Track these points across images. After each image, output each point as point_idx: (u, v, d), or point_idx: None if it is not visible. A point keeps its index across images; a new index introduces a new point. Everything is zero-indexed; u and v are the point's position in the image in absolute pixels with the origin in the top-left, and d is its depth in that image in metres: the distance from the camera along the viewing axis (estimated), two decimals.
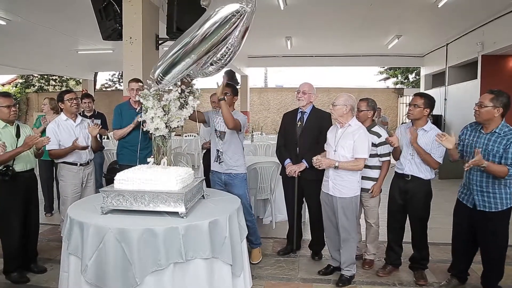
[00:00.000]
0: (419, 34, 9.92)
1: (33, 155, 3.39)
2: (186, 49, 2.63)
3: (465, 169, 2.85)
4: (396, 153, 3.37)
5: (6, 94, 3.35)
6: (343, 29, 9.28)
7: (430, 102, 3.23)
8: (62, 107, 3.73)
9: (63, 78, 20.32)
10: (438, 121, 10.57)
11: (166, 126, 2.93)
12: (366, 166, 3.39)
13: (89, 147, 3.80)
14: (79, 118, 3.80)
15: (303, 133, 3.69)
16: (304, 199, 3.91)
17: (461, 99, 9.60)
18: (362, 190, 3.44)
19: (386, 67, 19.74)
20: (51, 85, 20.66)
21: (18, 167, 3.22)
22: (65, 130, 3.64)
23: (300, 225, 4.04)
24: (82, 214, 2.41)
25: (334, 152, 3.21)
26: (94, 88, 16.89)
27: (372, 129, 3.48)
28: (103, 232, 2.17)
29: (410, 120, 3.37)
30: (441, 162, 3.18)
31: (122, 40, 4.83)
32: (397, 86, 18.45)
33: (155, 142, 2.98)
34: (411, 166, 3.24)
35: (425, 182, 3.23)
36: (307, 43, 10.86)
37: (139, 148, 3.81)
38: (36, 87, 19.92)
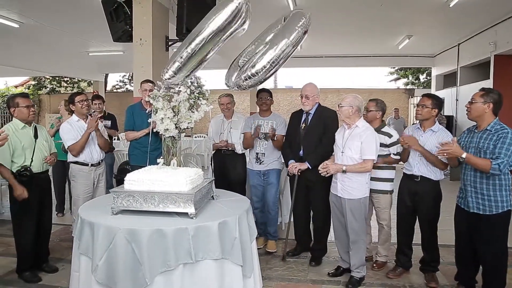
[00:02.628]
0: (430, 34, 9.82)
1: (48, 155, 3.43)
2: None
3: (439, 157, 2.88)
4: (405, 155, 3.34)
5: (25, 95, 3.42)
6: (353, 29, 9.23)
7: (438, 102, 3.21)
8: (73, 109, 3.77)
9: (74, 80, 20.60)
10: (449, 122, 10.46)
11: (176, 127, 2.94)
12: (377, 167, 3.38)
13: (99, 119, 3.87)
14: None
15: (306, 135, 3.65)
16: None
17: None
18: (374, 191, 3.43)
19: (396, 68, 19.60)
20: (63, 87, 20.95)
21: (35, 168, 3.27)
22: (77, 131, 3.68)
23: (309, 227, 3.99)
24: (92, 214, 2.43)
25: (341, 153, 3.19)
26: (105, 90, 17.07)
27: (382, 130, 3.46)
28: (113, 232, 2.19)
29: (418, 121, 3.35)
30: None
31: (132, 41, 4.87)
32: (408, 87, 18.30)
33: (165, 143, 2.99)
34: (421, 166, 3.20)
35: (434, 183, 3.20)
36: (317, 43, 10.82)
37: (150, 149, 3.85)
38: (48, 89, 20.20)
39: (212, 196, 2.86)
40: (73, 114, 3.80)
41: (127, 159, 4.64)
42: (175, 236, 2.18)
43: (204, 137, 11.82)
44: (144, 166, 2.86)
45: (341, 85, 19.78)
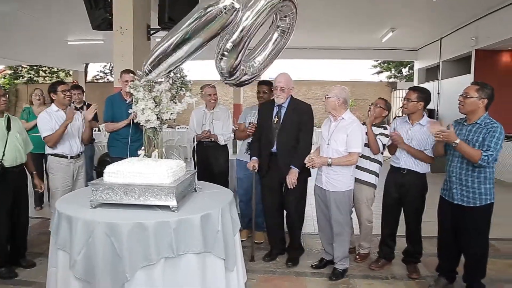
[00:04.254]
0: (414, 27, 9.92)
1: (23, 150, 3.29)
2: (177, 42, 2.58)
3: (434, 138, 2.84)
4: (393, 148, 3.35)
5: None
6: (338, 22, 9.25)
7: (424, 95, 3.20)
8: (54, 98, 3.63)
9: (53, 69, 20.07)
10: (431, 115, 10.62)
11: (158, 118, 2.86)
12: (366, 157, 3.39)
13: (81, 123, 3.72)
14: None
15: (281, 132, 3.36)
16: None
17: (454, 94, 9.49)
18: (357, 181, 3.40)
19: (379, 61, 19.76)
20: (41, 76, 20.42)
21: (7, 162, 3.12)
22: (56, 121, 3.54)
23: (283, 228, 3.71)
24: (70, 208, 2.34)
25: (327, 146, 3.17)
26: (85, 80, 16.72)
27: (381, 125, 3.47)
28: (91, 226, 2.12)
29: (404, 114, 3.36)
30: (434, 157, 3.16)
31: (112, 30, 4.73)
32: (390, 80, 18.50)
33: (146, 134, 2.91)
34: (407, 159, 3.21)
35: (421, 176, 3.22)
36: (300, 35, 10.74)
37: (131, 140, 3.76)
38: (25, 78, 19.65)
39: (195, 189, 2.81)
40: (53, 104, 3.66)
41: (108, 151, 4.52)
42: (156, 229, 2.12)
43: (187, 128, 11.70)
44: (125, 158, 2.79)
45: (325, 77, 19.86)
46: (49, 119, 3.52)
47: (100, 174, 4.66)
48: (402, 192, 3.28)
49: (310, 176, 3.48)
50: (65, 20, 8.70)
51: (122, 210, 2.30)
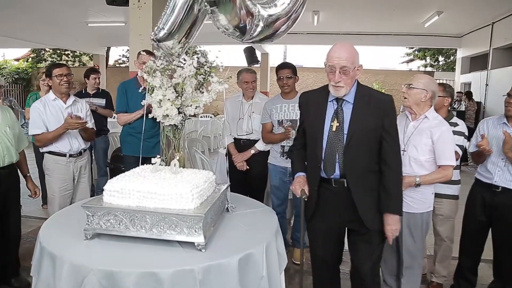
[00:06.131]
0: (462, 11, 8.85)
1: (14, 147, 2.67)
2: None
3: None
4: (479, 156, 2.56)
5: None
6: (379, 4, 8.30)
7: None
8: (50, 84, 2.99)
9: (75, 53, 19.76)
10: (477, 109, 9.64)
11: (179, 113, 2.16)
12: None
13: (88, 123, 3.02)
14: (71, 99, 3.02)
15: (351, 145, 1.94)
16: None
17: (507, 85, 8.58)
18: (436, 195, 2.63)
19: (414, 48, 18.57)
20: (64, 60, 20.11)
21: None
22: (52, 113, 2.88)
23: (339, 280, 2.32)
24: (55, 239, 1.68)
25: (403, 152, 2.38)
26: (107, 64, 16.29)
27: (452, 122, 2.66)
28: (82, 273, 1.45)
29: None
30: None
31: (128, 5, 4.07)
32: (427, 69, 17.36)
33: (163, 133, 2.23)
34: (504, 174, 2.45)
35: None
36: (336, 19, 9.88)
37: (147, 136, 3.17)
38: (48, 62, 19.40)
39: (227, 208, 2.11)
40: (50, 91, 3.02)
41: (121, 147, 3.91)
42: (174, 282, 1.43)
43: (211, 117, 11.05)
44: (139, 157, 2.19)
45: None
46: (42, 112, 2.86)
47: (114, 171, 4.03)
48: (494, 215, 2.52)
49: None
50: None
51: (128, 245, 1.62)
